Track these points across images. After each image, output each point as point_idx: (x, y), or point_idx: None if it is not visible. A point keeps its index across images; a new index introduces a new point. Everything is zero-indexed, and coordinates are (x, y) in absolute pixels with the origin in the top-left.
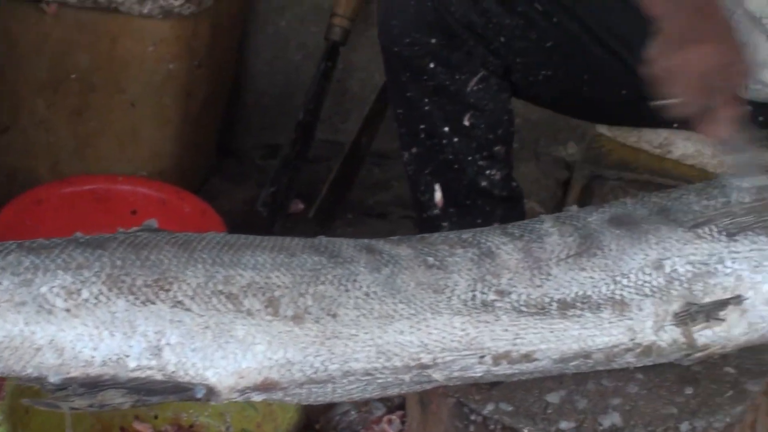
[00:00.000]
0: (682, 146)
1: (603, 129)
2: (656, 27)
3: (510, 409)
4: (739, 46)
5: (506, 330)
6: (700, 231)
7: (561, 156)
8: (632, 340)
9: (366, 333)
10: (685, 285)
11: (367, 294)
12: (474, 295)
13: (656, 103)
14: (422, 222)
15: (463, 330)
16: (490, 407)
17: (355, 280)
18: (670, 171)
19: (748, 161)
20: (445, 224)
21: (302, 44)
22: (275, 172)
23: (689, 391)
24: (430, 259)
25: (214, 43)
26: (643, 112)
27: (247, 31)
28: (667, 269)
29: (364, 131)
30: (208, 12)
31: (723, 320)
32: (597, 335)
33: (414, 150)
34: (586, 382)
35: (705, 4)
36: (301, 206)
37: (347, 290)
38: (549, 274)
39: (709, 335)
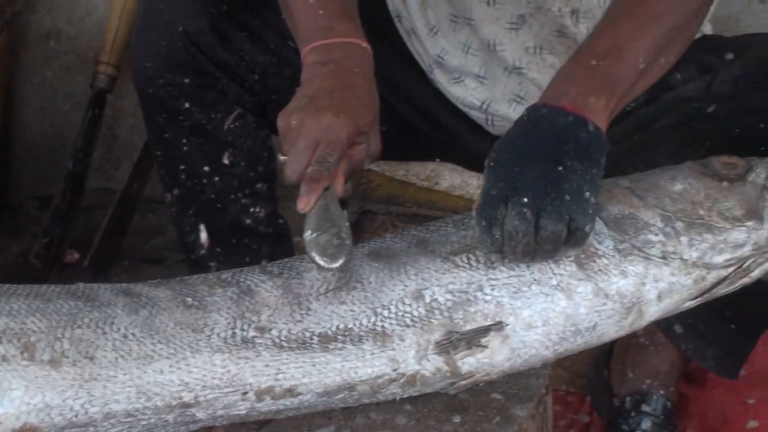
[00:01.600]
0: (449, 178)
1: (371, 164)
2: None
3: None
4: (370, 128)
5: (267, 365)
6: (458, 260)
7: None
8: (395, 370)
9: (125, 374)
10: (446, 314)
11: (125, 336)
12: (234, 333)
13: (278, 158)
14: (191, 263)
15: (223, 367)
16: None
17: (112, 323)
18: (438, 203)
19: (327, 242)
20: (212, 264)
21: (70, 93)
22: (47, 222)
23: (457, 419)
24: (189, 300)
25: None
26: (408, 147)
27: (13, 83)
28: (427, 299)
29: (135, 177)
30: None
31: (485, 347)
32: (360, 367)
33: (176, 191)
34: (355, 416)
35: (350, 75)
36: (76, 256)
37: (105, 333)
38: (309, 309)
39: (472, 362)
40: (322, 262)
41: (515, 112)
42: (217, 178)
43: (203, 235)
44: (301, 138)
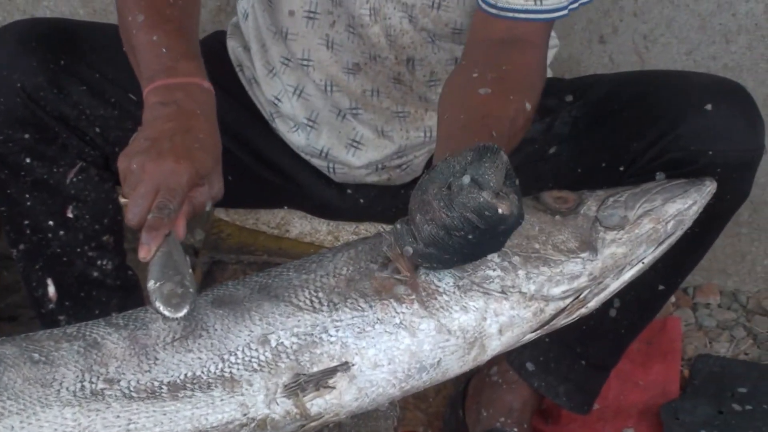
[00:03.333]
0: (299, 225)
1: (221, 214)
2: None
3: None
4: (211, 172)
5: (118, 416)
6: (301, 303)
7: (190, 243)
8: (245, 415)
9: None
10: (292, 357)
11: None
12: (83, 386)
13: (120, 200)
14: (42, 318)
15: (74, 420)
16: None
17: None
18: (289, 250)
19: (171, 292)
20: (62, 318)
21: None
22: None
23: None
24: (36, 355)
25: None
26: (256, 196)
27: None
28: (273, 343)
29: None
30: None
31: (333, 388)
32: (210, 413)
33: (22, 246)
34: None
35: (192, 118)
36: None
37: None
38: (156, 359)
39: (321, 404)
40: (166, 312)
41: (354, 157)
42: (62, 232)
43: (51, 289)
44: (142, 183)
